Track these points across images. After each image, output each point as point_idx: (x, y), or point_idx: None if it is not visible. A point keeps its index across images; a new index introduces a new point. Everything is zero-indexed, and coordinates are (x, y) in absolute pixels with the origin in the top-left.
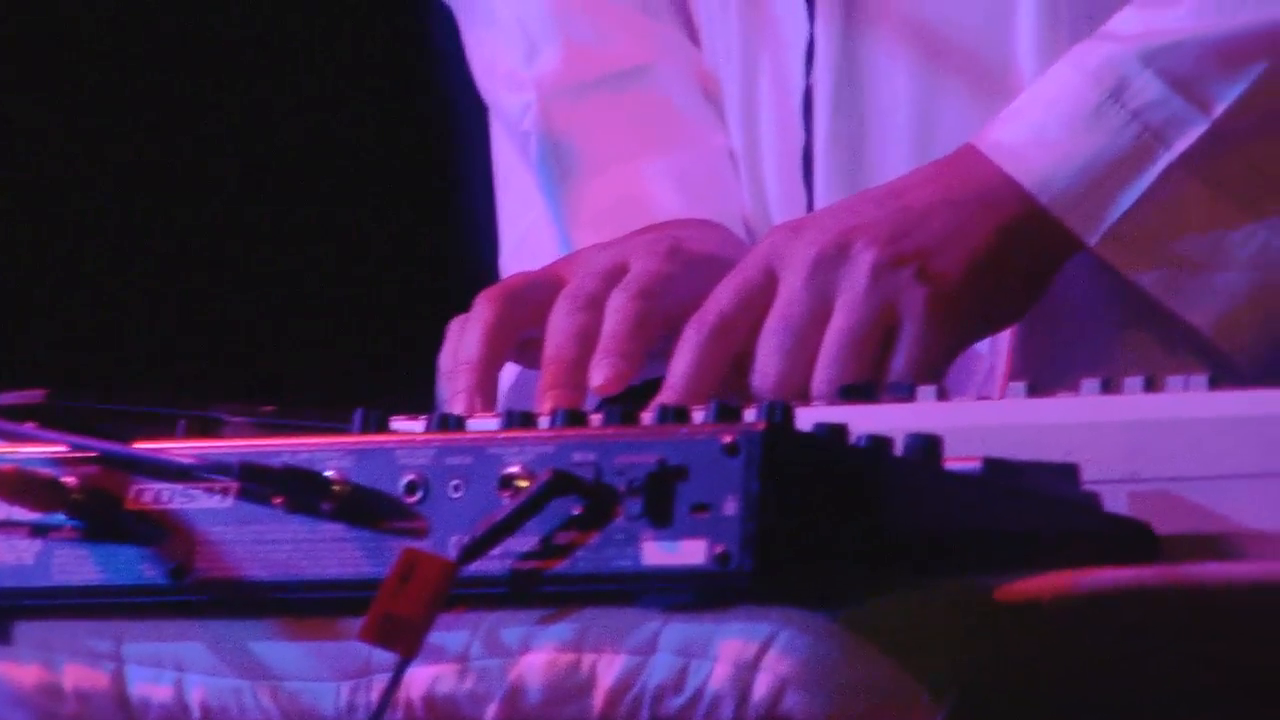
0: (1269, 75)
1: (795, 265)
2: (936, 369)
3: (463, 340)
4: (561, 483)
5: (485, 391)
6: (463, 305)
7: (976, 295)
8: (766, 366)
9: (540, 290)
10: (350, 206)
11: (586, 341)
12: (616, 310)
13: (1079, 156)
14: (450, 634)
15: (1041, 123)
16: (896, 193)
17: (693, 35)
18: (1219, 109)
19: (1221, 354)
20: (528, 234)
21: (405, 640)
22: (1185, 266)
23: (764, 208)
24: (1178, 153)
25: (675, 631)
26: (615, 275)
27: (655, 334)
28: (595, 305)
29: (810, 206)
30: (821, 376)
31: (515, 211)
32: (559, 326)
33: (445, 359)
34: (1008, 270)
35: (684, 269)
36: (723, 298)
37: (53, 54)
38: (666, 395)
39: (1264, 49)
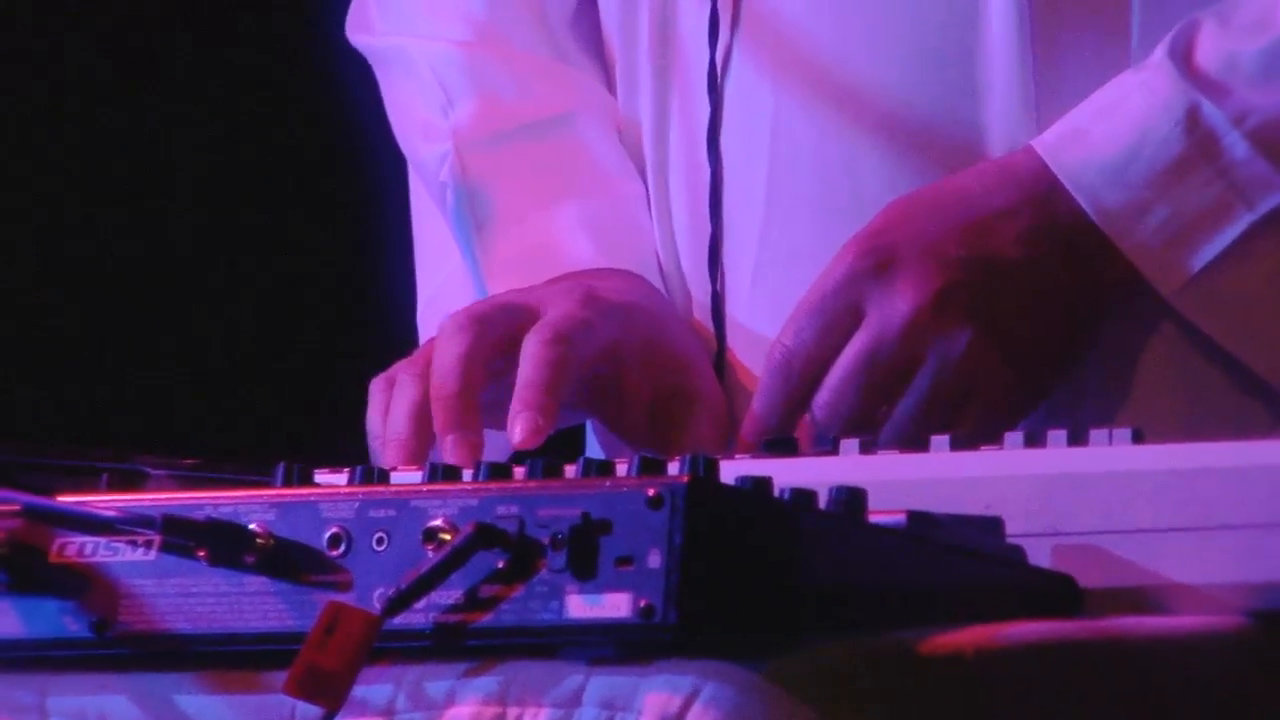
0: None
1: (889, 317)
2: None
3: (391, 413)
4: (485, 536)
5: (419, 463)
6: (379, 357)
7: (1055, 369)
8: (841, 402)
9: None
10: (270, 255)
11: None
12: (531, 357)
13: (1162, 209)
14: (375, 687)
15: (1123, 164)
16: (981, 230)
17: (609, 78)
18: None
19: None
20: (444, 286)
21: (329, 694)
22: (1255, 318)
23: (671, 241)
24: (1260, 213)
25: (600, 685)
26: (528, 320)
27: (571, 382)
28: (511, 346)
29: (715, 239)
30: (895, 429)
31: (432, 263)
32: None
33: (374, 423)
34: (1083, 325)
35: (599, 316)
36: (806, 333)
37: None
38: (750, 427)
39: None
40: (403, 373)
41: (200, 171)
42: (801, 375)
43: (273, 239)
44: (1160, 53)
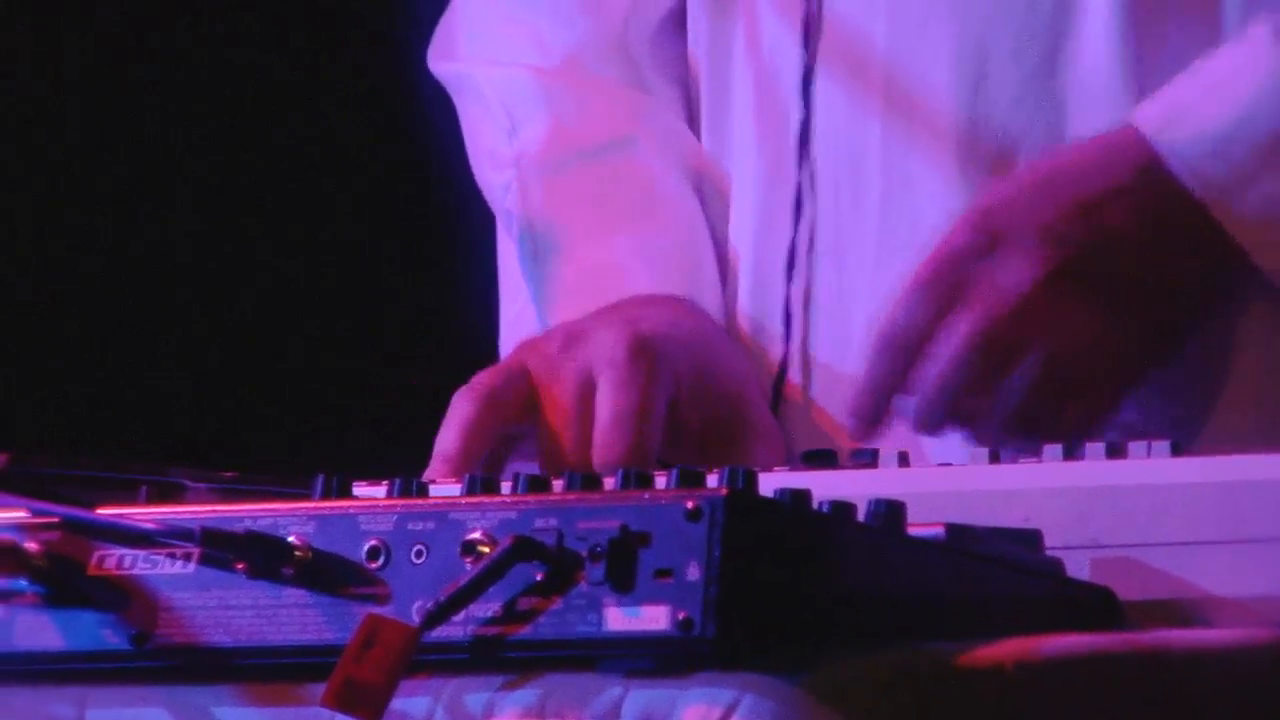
0: None
1: (1003, 294)
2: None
3: (441, 435)
4: (524, 548)
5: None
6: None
7: (1163, 355)
8: (949, 381)
9: (513, 387)
10: (328, 269)
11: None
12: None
13: (1268, 182)
14: (413, 700)
15: (1228, 137)
16: (1094, 207)
17: (688, 101)
18: None
19: None
20: (520, 316)
21: (368, 706)
22: None
23: (746, 246)
24: None
25: (638, 698)
26: (585, 385)
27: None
28: (583, 422)
29: (794, 245)
30: (998, 415)
31: (510, 292)
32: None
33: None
34: (1191, 309)
35: (650, 354)
36: (917, 309)
37: None
38: (858, 403)
39: None
40: (460, 396)
41: (200, 173)
42: (909, 350)
43: (335, 249)
44: (1265, 30)
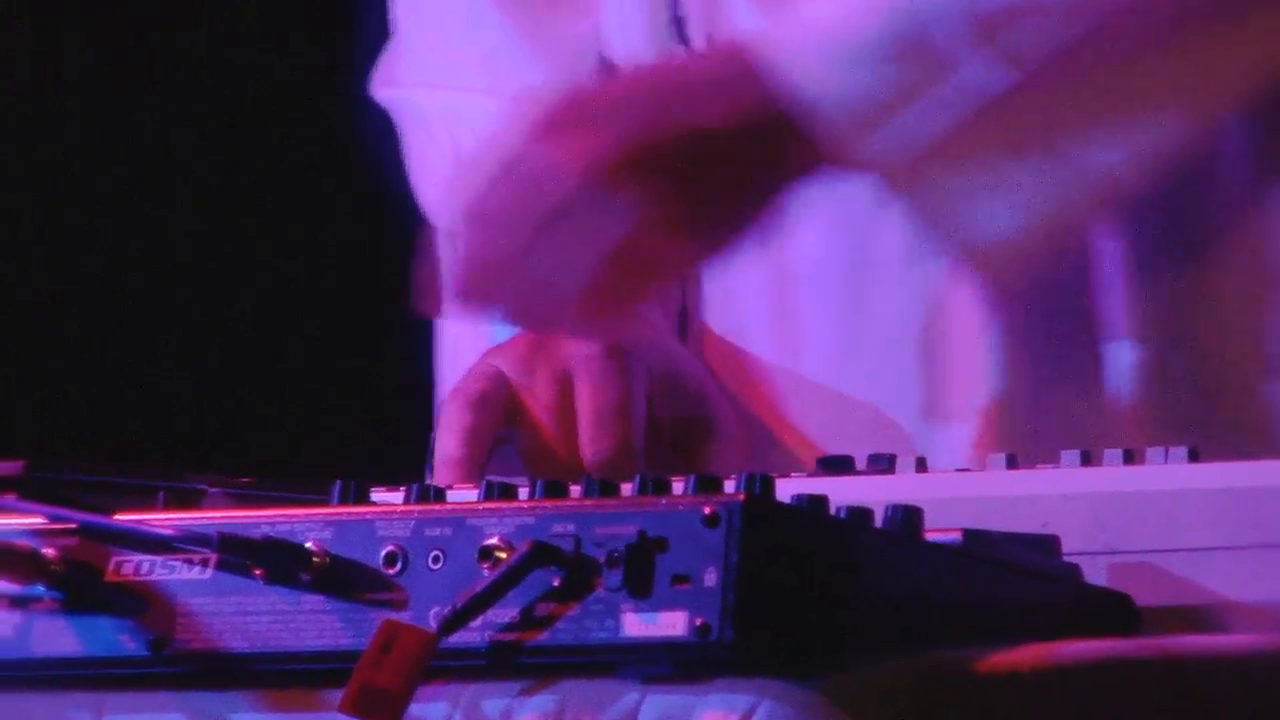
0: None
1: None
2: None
3: (442, 441)
4: (541, 554)
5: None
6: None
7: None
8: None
9: (499, 391)
10: (328, 269)
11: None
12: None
13: (863, 76)
14: (430, 706)
15: (826, 38)
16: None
17: None
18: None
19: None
20: (460, 335)
21: (385, 712)
22: (960, 196)
23: None
24: (963, 86)
25: (655, 703)
26: (564, 383)
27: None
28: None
29: None
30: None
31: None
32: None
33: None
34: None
35: (630, 355)
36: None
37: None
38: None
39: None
40: (453, 402)
41: (200, 173)
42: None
43: (336, 259)
44: None
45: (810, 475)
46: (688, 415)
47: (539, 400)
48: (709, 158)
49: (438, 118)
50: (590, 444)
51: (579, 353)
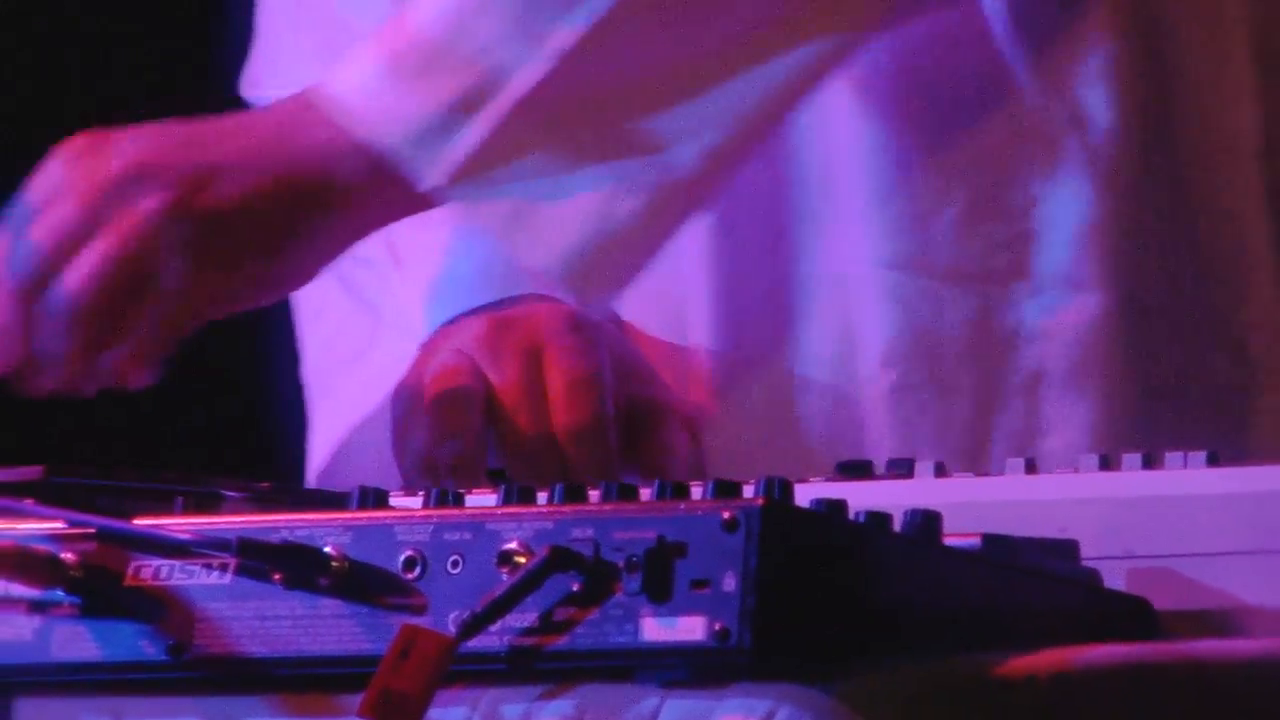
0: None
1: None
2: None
3: (433, 440)
4: (560, 559)
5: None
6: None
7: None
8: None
9: (477, 378)
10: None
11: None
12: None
13: (415, 102)
14: (449, 710)
15: (375, 71)
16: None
17: None
18: (556, 50)
19: (575, 290)
20: (331, 341)
21: (405, 716)
22: (526, 204)
23: None
24: (517, 93)
25: (674, 707)
26: (532, 359)
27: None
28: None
29: None
30: None
31: (317, 312)
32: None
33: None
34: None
35: (589, 328)
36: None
37: None
38: None
39: None
40: (440, 399)
41: None
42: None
43: None
44: None
45: (829, 480)
46: (641, 395)
47: (507, 377)
48: (260, 213)
49: None
50: (564, 414)
51: (547, 327)
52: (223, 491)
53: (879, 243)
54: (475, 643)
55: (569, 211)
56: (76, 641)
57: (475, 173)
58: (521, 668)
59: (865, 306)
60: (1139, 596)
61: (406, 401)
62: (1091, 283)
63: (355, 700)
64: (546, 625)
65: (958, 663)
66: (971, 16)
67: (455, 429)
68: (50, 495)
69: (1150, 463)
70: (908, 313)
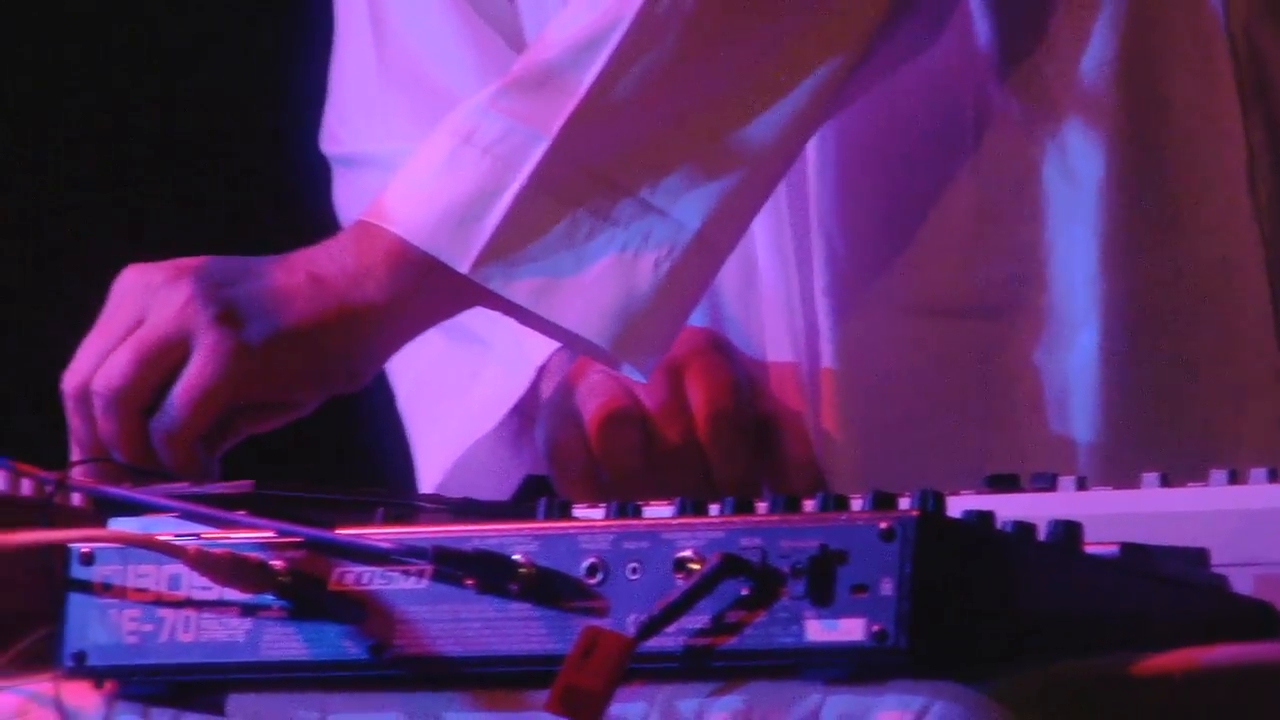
0: (592, 90)
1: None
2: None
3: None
4: (731, 565)
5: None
6: None
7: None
8: None
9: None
10: None
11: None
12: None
13: (441, 197)
14: (629, 706)
15: (407, 177)
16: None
17: None
18: (556, 128)
19: (590, 346)
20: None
21: (587, 711)
22: (552, 275)
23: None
24: (527, 175)
25: (836, 704)
26: (676, 379)
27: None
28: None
29: None
30: None
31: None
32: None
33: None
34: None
35: (724, 348)
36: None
37: None
38: None
39: (576, 64)
40: (608, 421)
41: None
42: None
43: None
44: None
45: (978, 492)
46: (766, 409)
47: (653, 394)
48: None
49: (370, 166)
50: (707, 426)
51: (686, 346)
52: (420, 503)
53: (883, 281)
54: (652, 643)
55: (590, 280)
56: (285, 642)
57: (505, 251)
58: (695, 666)
59: (885, 345)
60: (1264, 601)
61: (560, 420)
62: (1088, 318)
63: (542, 696)
64: (718, 627)
65: (1097, 662)
66: (962, 63)
67: (622, 446)
68: (260, 507)
69: (1275, 477)
70: (917, 350)
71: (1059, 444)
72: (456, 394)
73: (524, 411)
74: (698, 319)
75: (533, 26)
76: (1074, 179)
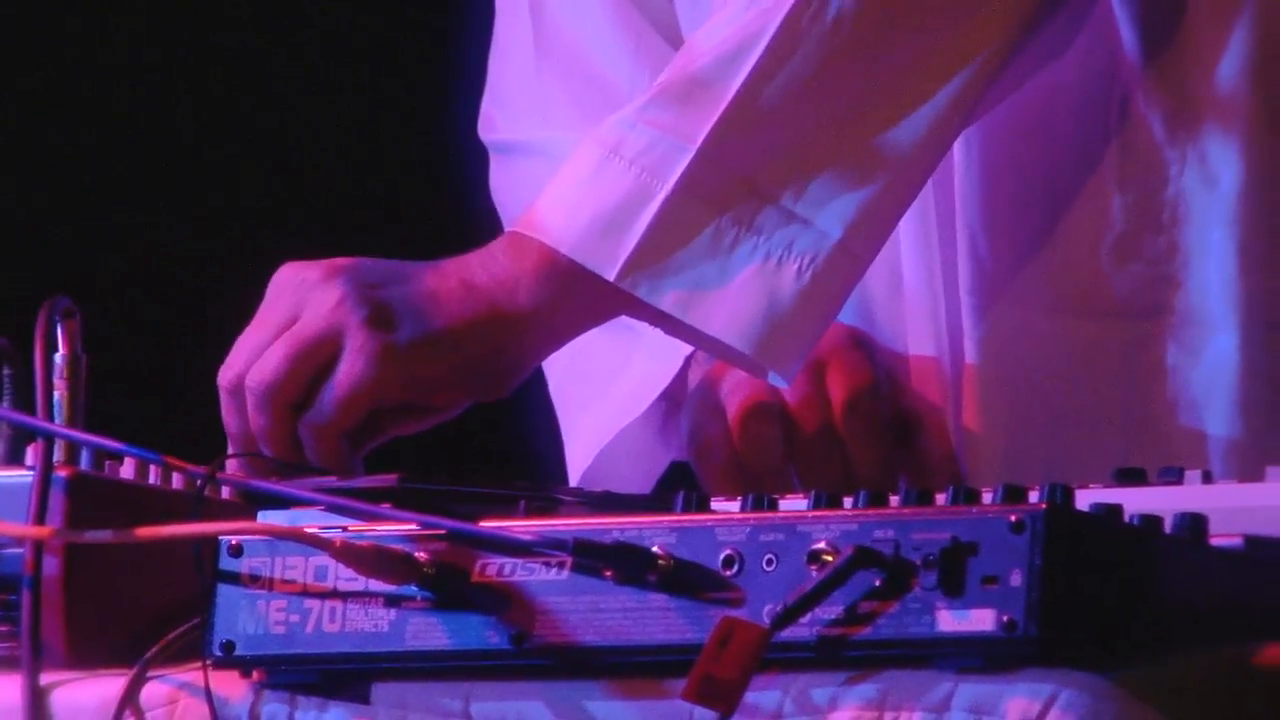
0: (737, 99)
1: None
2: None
3: (737, 451)
4: (864, 557)
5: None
6: None
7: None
8: None
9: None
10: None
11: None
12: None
13: (589, 207)
14: (764, 694)
15: (556, 189)
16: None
17: None
18: (701, 138)
19: (735, 353)
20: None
21: (723, 700)
22: (697, 283)
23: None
24: (672, 184)
25: (967, 692)
26: (817, 374)
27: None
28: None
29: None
30: None
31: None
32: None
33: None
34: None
35: (866, 345)
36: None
37: None
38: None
39: (720, 76)
40: (754, 412)
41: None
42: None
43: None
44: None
45: (1106, 486)
46: (906, 404)
47: (796, 388)
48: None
49: (557, 151)
50: (848, 420)
51: (828, 342)
52: (561, 496)
53: (1026, 280)
54: (787, 633)
55: (734, 288)
56: (429, 632)
57: (651, 259)
58: (829, 655)
59: (1026, 344)
60: None
61: (704, 414)
62: (1226, 320)
63: (679, 685)
64: (851, 617)
65: (1222, 652)
66: (1105, 65)
67: (764, 440)
68: (405, 500)
69: None
70: (1059, 349)
71: (1196, 443)
72: (606, 380)
73: (672, 398)
74: (842, 315)
75: (688, 22)
76: (1213, 183)
